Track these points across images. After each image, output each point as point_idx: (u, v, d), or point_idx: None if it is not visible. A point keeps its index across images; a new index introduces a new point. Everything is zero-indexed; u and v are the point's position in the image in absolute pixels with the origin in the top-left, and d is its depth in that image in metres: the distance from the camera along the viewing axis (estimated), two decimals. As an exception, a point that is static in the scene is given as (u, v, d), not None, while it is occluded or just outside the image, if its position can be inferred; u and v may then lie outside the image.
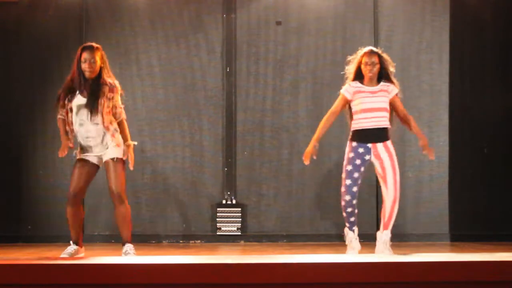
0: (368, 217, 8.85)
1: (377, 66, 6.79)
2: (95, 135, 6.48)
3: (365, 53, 6.82)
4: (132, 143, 6.65)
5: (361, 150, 6.70)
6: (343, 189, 6.70)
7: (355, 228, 6.77)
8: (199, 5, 9.29)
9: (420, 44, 9.22)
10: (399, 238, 8.67)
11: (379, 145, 6.70)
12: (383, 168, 6.66)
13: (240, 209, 9.04)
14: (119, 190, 6.42)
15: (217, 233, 9.04)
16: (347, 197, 6.66)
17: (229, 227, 9.02)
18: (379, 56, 6.83)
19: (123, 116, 6.67)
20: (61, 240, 8.89)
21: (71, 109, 6.51)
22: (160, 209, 9.11)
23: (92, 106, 6.42)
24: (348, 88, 6.82)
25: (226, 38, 9.28)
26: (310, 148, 6.81)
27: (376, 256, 6.06)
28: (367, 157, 6.70)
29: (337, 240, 8.48)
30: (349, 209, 6.69)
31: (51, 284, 4.69)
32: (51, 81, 9.15)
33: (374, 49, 6.90)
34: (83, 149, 6.54)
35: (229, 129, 9.18)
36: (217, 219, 9.05)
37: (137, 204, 8.96)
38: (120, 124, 6.62)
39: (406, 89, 8.98)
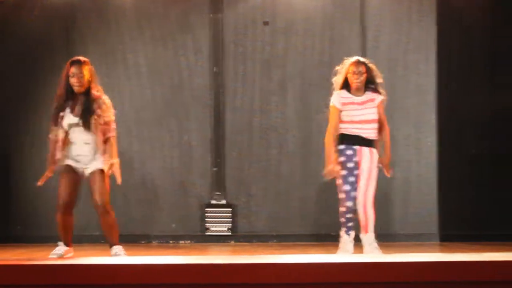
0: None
1: (364, 76, 6.79)
2: (87, 154, 6.44)
3: (352, 63, 6.82)
4: (116, 161, 6.53)
5: (349, 152, 6.70)
6: (342, 195, 6.67)
7: (351, 233, 6.75)
8: (186, 5, 9.27)
9: (407, 44, 9.23)
10: (387, 238, 8.67)
11: (365, 149, 6.71)
12: (360, 169, 6.67)
13: (230, 209, 9.03)
14: (103, 202, 6.38)
15: (206, 233, 9.02)
16: (348, 203, 6.63)
17: (219, 227, 9.01)
18: (366, 66, 6.83)
19: (113, 133, 6.50)
20: (51, 240, 8.79)
21: (62, 127, 6.44)
22: (150, 210, 9.09)
23: (85, 126, 6.38)
24: (338, 98, 6.81)
25: (213, 38, 9.26)
26: (330, 168, 6.71)
27: (365, 256, 6.07)
28: (355, 159, 6.70)
29: (327, 240, 8.48)
30: (349, 215, 6.67)
31: (41, 285, 4.67)
32: (35, 81, 9.12)
33: (361, 58, 6.91)
34: (71, 159, 6.48)
35: (217, 129, 9.17)
36: (206, 219, 9.03)
37: (126, 204, 8.93)
38: (107, 140, 6.46)
39: (393, 89, 8.99)
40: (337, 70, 6.93)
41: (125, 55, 9.25)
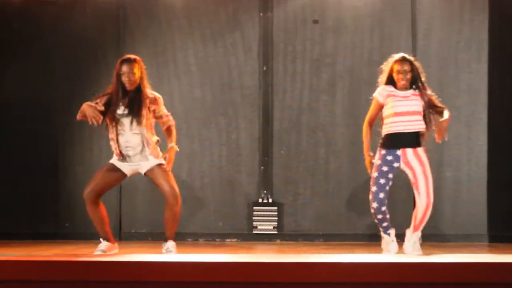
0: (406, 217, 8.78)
1: (410, 75, 6.69)
2: (135, 145, 6.52)
3: (396, 61, 6.72)
4: (176, 147, 6.65)
5: (389, 157, 6.62)
6: (370, 196, 6.63)
7: (391, 231, 6.71)
8: (236, 4, 9.30)
9: (458, 43, 9.13)
10: (436, 238, 8.61)
11: (409, 152, 6.61)
12: (415, 177, 6.58)
13: (276, 208, 9.04)
14: (174, 191, 6.44)
15: (253, 232, 9.04)
16: (375, 205, 6.58)
17: (265, 226, 9.02)
18: (411, 64, 6.73)
19: (171, 122, 6.72)
20: (98, 237, 8.96)
21: (112, 120, 6.52)
22: (197, 208, 9.13)
23: (133, 115, 6.47)
24: (381, 91, 6.75)
25: (262, 36, 9.27)
26: (367, 161, 6.75)
27: (410, 257, 6.03)
28: (395, 165, 6.61)
29: (374, 240, 8.44)
30: (379, 216, 6.61)
31: (89, 281, 4.74)
32: (88, 79, 9.23)
33: (406, 56, 6.80)
34: (121, 155, 6.56)
35: (266, 128, 9.17)
36: (253, 217, 9.05)
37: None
38: (168, 129, 6.69)
39: (444, 88, 8.92)
40: (381, 68, 6.87)
41: (175, 55, 9.31)
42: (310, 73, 9.22)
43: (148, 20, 9.35)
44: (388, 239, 6.70)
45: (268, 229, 9.03)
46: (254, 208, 9.06)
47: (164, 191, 6.46)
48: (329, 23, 9.24)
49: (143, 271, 4.77)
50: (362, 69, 9.12)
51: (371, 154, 6.74)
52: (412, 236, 6.61)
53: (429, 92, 6.75)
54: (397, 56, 6.75)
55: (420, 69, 6.76)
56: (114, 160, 6.58)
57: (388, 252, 6.67)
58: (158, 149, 6.63)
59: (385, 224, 6.66)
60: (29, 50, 9.35)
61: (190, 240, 9.01)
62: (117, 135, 6.50)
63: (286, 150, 9.16)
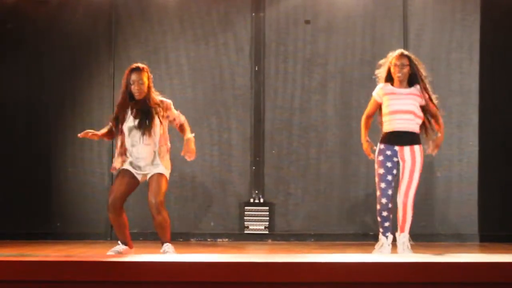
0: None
1: (407, 68, 6.75)
2: (146, 156, 6.52)
3: (395, 56, 6.80)
4: (191, 137, 6.65)
5: (388, 152, 6.69)
6: (378, 192, 6.66)
7: (389, 235, 6.72)
8: (228, 4, 9.30)
9: (450, 43, 9.15)
10: (428, 238, 8.62)
11: (406, 148, 6.67)
12: (402, 172, 6.66)
13: (268, 208, 9.04)
14: (157, 201, 6.43)
15: (245, 232, 9.04)
16: (384, 200, 6.62)
17: (257, 226, 9.02)
18: (409, 59, 6.79)
19: (183, 119, 6.73)
20: (90, 237, 8.97)
21: (123, 131, 6.54)
22: (188, 207, 9.13)
23: (145, 127, 6.47)
24: (379, 91, 6.82)
25: (254, 37, 9.27)
26: (366, 146, 6.81)
27: (401, 256, 6.04)
28: (395, 159, 6.69)
29: (365, 240, 8.46)
30: (385, 213, 6.65)
31: (79, 281, 4.73)
32: (80, 78, 9.23)
33: (405, 52, 6.86)
34: (131, 164, 6.57)
35: (257, 128, 9.18)
36: (245, 217, 9.05)
37: (165, 202, 8.95)
38: (181, 126, 6.71)
39: (435, 89, 8.87)
40: (380, 64, 6.92)
41: (167, 54, 9.31)
42: (302, 73, 9.23)
43: (140, 20, 9.35)
44: (384, 242, 6.71)
45: (259, 229, 9.03)
46: (246, 208, 9.06)
47: (149, 201, 6.47)
48: (321, 24, 9.25)
49: (134, 271, 4.77)
50: (354, 69, 9.13)
51: (369, 140, 6.80)
52: (400, 237, 6.66)
53: (429, 95, 6.78)
54: (397, 51, 6.82)
55: (421, 66, 6.81)
56: (128, 166, 6.58)
57: (379, 254, 6.68)
58: (168, 158, 6.65)
59: (387, 224, 6.68)
60: (21, 50, 9.33)
61: (181, 240, 8.99)
62: (131, 146, 6.52)
63: (277, 150, 9.17)
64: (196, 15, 9.32)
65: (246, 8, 9.31)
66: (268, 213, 9.03)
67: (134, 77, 6.52)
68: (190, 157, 6.66)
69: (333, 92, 9.19)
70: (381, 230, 6.73)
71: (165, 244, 6.54)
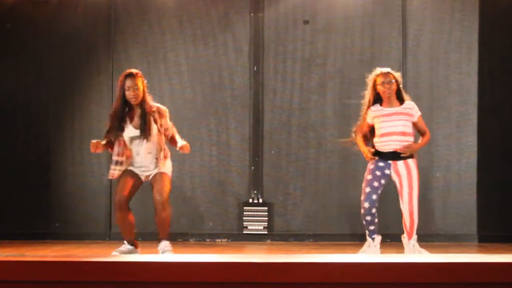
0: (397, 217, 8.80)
1: (395, 84, 6.74)
2: (149, 163, 6.61)
3: (379, 74, 6.78)
4: (184, 143, 6.63)
5: (381, 164, 6.74)
6: (362, 197, 6.70)
7: (376, 236, 6.75)
8: (226, 4, 9.30)
9: (449, 43, 9.15)
10: (426, 238, 8.62)
11: (400, 163, 6.72)
12: (401, 185, 6.70)
13: (266, 208, 9.04)
14: (163, 199, 6.47)
15: (244, 232, 9.04)
16: (366, 204, 6.65)
17: (256, 226, 9.03)
18: (393, 75, 6.79)
19: (174, 131, 6.72)
20: (89, 237, 8.97)
21: (122, 141, 6.56)
22: (187, 207, 9.13)
23: (147, 138, 6.52)
24: (369, 113, 6.82)
25: (253, 37, 9.28)
26: (366, 150, 6.81)
27: (398, 256, 6.05)
28: (387, 171, 6.72)
29: (364, 240, 8.45)
30: (368, 217, 6.68)
31: (79, 281, 4.72)
32: (79, 78, 9.23)
33: (385, 69, 6.83)
34: (133, 166, 6.62)
35: (256, 128, 9.18)
36: (244, 218, 9.05)
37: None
38: (171, 138, 6.70)
39: (434, 89, 8.95)
40: (364, 93, 6.92)
41: (166, 54, 9.31)
42: (301, 73, 9.23)
43: (139, 20, 9.34)
44: (371, 243, 6.75)
45: (258, 229, 9.03)
46: (245, 208, 9.06)
47: (154, 198, 6.52)
48: (320, 24, 9.25)
49: (130, 272, 4.76)
50: (353, 69, 9.12)
51: (368, 146, 6.83)
52: (410, 242, 6.69)
53: (418, 114, 6.79)
54: (377, 71, 6.81)
55: (400, 80, 6.83)
56: (130, 167, 6.62)
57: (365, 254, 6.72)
58: (169, 161, 6.71)
59: (372, 227, 6.71)
60: (21, 50, 9.34)
61: (180, 240, 9.00)
62: (136, 154, 6.54)
63: (276, 150, 9.17)
64: (195, 16, 9.32)
65: (245, 9, 9.31)
66: (267, 213, 9.03)
67: (128, 83, 6.52)
68: (184, 151, 6.65)
69: (332, 92, 9.19)
70: (367, 232, 6.77)
71: (162, 242, 6.58)
